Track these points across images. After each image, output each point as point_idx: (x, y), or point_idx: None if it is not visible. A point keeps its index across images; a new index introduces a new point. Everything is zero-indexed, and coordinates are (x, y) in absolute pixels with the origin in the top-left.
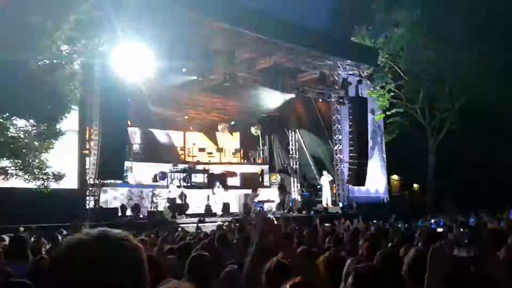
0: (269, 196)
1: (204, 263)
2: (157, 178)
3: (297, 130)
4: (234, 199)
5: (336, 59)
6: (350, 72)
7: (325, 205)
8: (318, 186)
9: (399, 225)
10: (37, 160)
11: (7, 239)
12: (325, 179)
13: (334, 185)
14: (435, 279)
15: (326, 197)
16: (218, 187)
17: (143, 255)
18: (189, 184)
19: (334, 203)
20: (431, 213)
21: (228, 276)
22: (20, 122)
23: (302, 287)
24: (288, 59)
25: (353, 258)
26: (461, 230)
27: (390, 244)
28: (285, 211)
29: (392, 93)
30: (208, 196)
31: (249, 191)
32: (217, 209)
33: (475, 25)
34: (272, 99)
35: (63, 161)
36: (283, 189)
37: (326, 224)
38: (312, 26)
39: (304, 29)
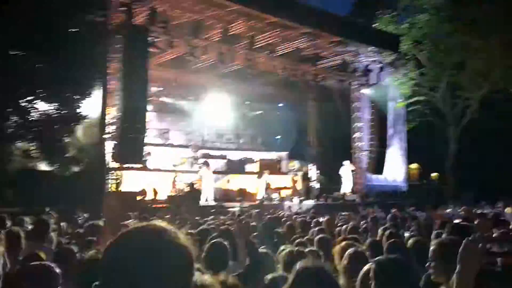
0: (286, 183)
1: (222, 251)
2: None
3: (316, 117)
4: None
5: (358, 46)
6: (372, 59)
7: (343, 193)
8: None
9: (418, 214)
10: (58, 143)
11: (26, 220)
12: (346, 168)
13: (353, 173)
14: (467, 275)
15: (346, 186)
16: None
17: (192, 253)
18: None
19: (353, 191)
20: (450, 202)
21: None
22: (43, 106)
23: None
24: (309, 45)
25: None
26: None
27: (409, 233)
28: (303, 198)
29: (414, 81)
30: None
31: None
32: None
33: (500, 12)
34: (291, 85)
35: (84, 145)
36: (306, 177)
37: (343, 213)
38: (334, 11)
39: (326, 14)
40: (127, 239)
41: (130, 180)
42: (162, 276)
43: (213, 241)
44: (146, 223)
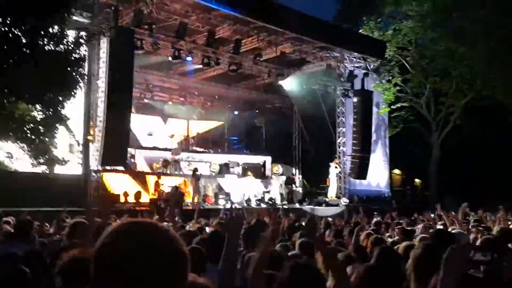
0: (272, 187)
1: (200, 256)
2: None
3: (300, 121)
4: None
5: (343, 51)
6: (357, 65)
7: (330, 197)
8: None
9: (401, 220)
10: (42, 145)
11: (11, 221)
12: (332, 169)
13: (336, 177)
14: (449, 283)
15: (332, 189)
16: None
17: (185, 246)
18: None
19: (337, 195)
20: (432, 208)
21: None
22: (26, 107)
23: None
24: (294, 49)
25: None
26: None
27: (391, 239)
28: (285, 202)
29: (398, 87)
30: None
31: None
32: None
33: (484, 20)
34: (276, 90)
35: (68, 147)
36: (291, 182)
37: (329, 218)
38: (319, 16)
39: (312, 19)
40: (122, 234)
41: (113, 183)
42: (159, 271)
43: (192, 246)
44: (138, 219)
